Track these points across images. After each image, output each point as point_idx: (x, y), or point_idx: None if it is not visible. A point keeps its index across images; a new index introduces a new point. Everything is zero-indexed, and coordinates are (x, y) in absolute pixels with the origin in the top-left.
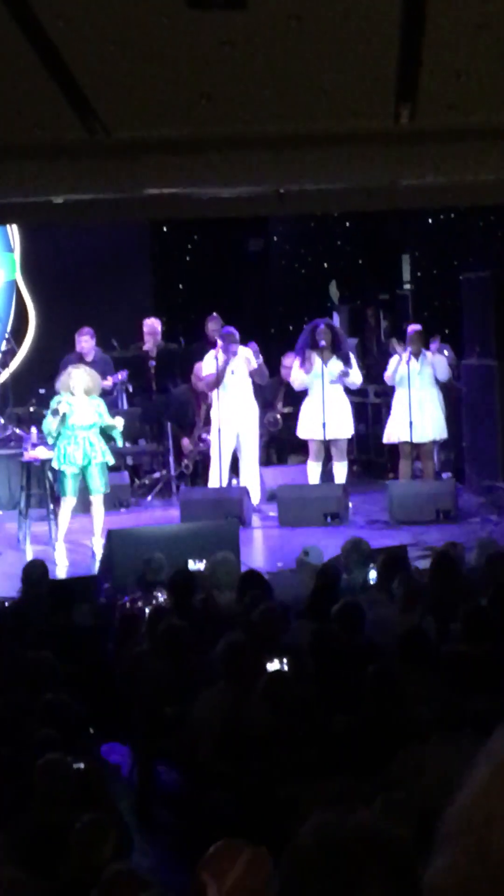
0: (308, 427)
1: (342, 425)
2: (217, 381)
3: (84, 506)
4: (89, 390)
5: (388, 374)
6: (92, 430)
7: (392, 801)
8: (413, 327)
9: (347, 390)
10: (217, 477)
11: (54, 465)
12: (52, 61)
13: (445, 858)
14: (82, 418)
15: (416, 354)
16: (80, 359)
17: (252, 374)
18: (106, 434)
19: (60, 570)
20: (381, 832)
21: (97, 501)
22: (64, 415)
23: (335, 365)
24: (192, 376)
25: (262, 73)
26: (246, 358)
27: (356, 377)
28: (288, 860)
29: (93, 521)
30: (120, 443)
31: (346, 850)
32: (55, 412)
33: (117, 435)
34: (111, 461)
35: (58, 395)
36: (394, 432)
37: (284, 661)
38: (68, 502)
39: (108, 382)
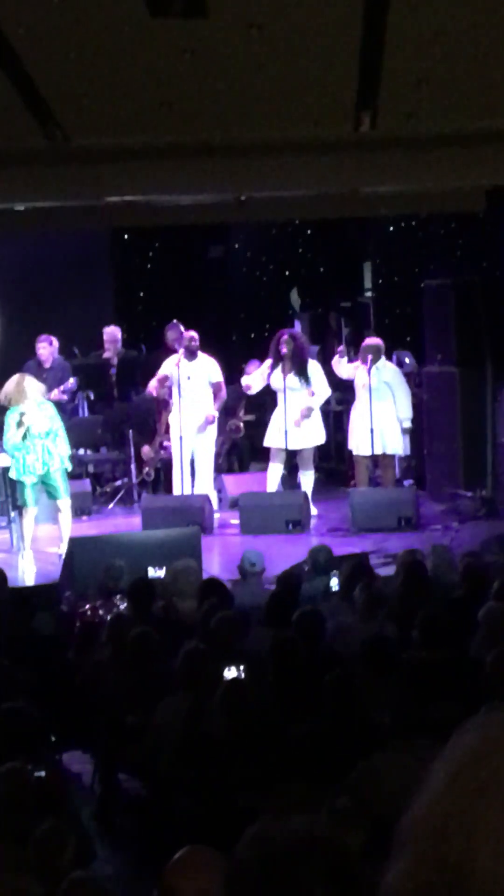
0: (273, 435)
1: (308, 435)
2: (160, 382)
3: (52, 513)
4: (40, 397)
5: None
6: (49, 438)
7: (338, 808)
8: (369, 340)
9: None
10: (179, 484)
11: (12, 475)
12: (13, 68)
13: (403, 864)
14: (39, 426)
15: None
16: (39, 365)
17: (213, 387)
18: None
19: (28, 578)
20: (320, 839)
21: (64, 507)
22: (28, 427)
23: (293, 380)
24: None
25: (223, 82)
26: (207, 369)
27: (321, 395)
28: (229, 873)
29: (60, 529)
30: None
31: (283, 859)
32: (19, 424)
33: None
34: (69, 467)
35: (9, 407)
36: (353, 443)
37: (242, 668)
38: (31, 512)
39: (55, 394)
